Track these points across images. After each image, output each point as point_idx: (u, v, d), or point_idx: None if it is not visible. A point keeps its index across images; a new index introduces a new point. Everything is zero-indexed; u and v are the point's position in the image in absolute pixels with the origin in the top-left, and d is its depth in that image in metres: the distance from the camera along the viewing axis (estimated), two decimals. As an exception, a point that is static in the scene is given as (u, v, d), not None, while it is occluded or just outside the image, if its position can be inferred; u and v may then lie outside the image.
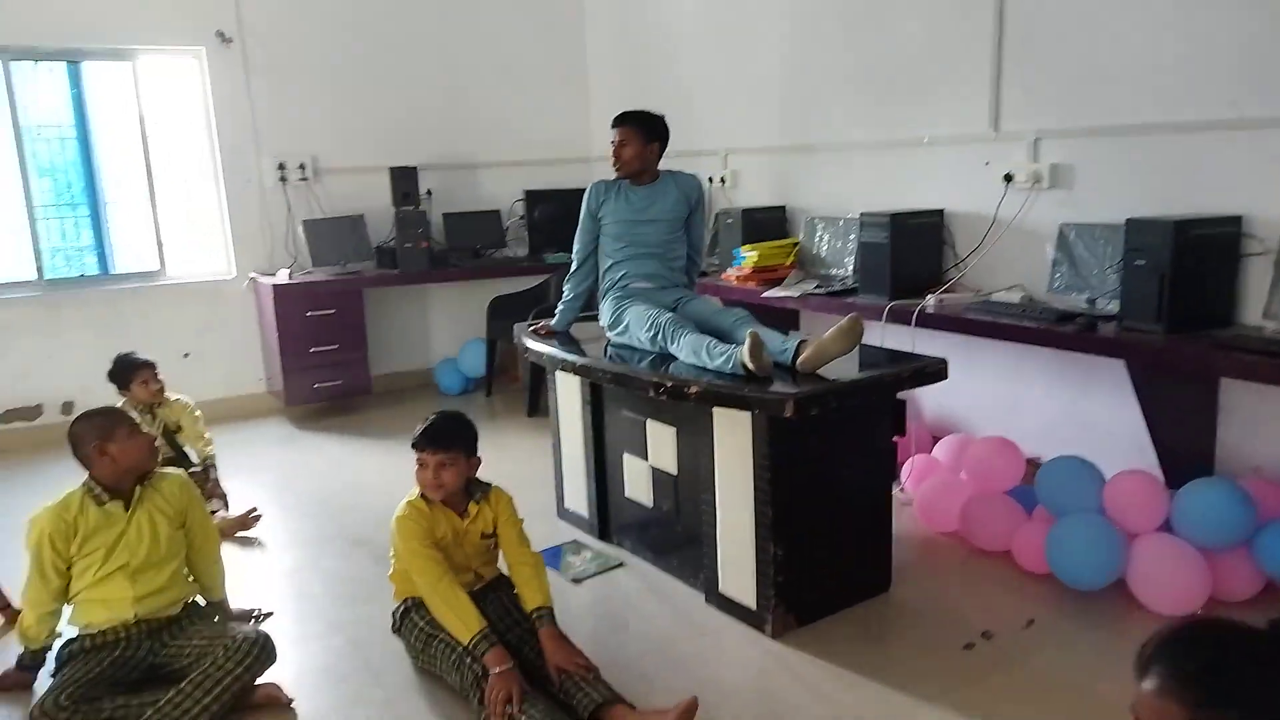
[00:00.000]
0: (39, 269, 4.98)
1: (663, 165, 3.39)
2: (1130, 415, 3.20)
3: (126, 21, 4.91)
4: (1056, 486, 3.07)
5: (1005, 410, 3.84)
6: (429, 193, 5.67)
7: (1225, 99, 2.99)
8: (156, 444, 3.01)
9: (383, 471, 4.32)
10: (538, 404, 5.04)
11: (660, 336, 3.02)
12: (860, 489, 2.91)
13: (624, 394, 3.19)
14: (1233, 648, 1.11)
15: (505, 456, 4.30)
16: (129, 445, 2.47)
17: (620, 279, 3.34)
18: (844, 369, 2.76)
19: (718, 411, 2.78)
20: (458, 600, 2.40)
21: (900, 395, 2.93)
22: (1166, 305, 2.88)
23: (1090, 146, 3.42)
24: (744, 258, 4.47)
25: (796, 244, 4.53)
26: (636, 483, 3.26)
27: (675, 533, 3.12)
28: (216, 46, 5.13)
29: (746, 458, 2.72)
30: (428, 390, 5.83)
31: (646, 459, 3.18)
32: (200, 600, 2.68)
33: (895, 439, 3.03)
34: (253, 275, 5.33)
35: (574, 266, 3.48)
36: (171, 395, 3.99)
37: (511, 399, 5.61)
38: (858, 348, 2.78)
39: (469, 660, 2.32)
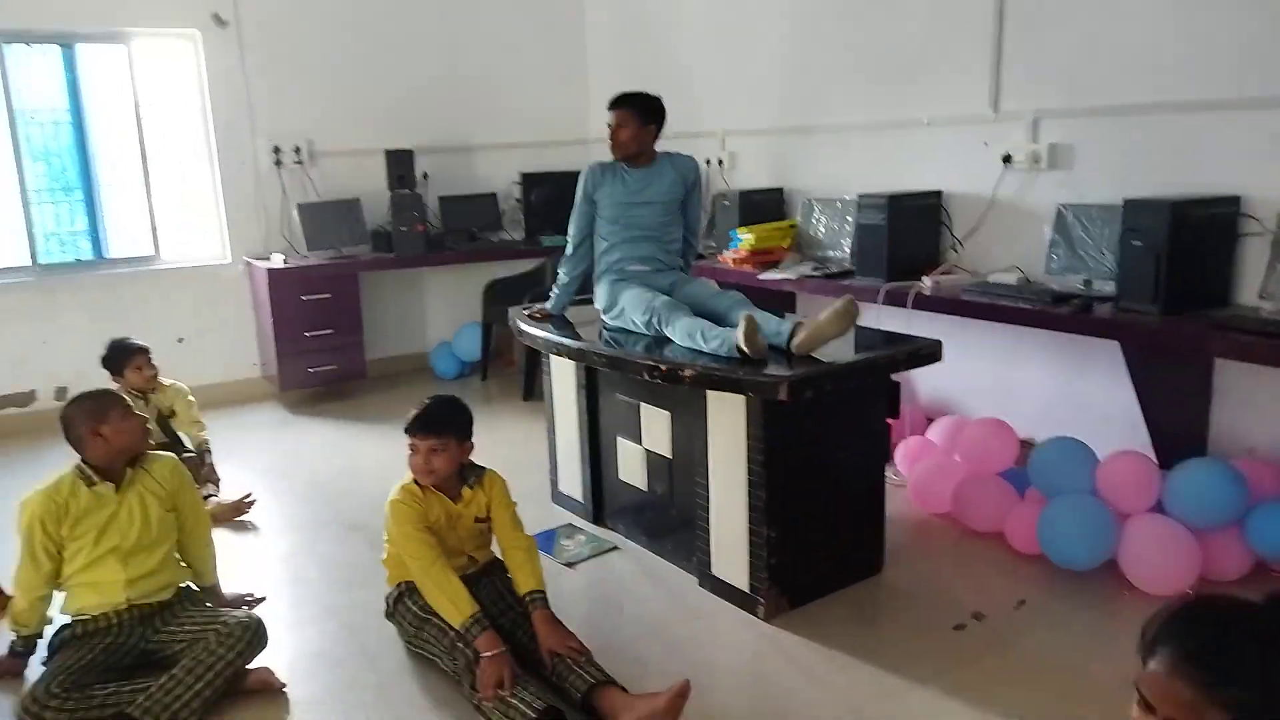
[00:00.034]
0: (33, 254, 4.96)
1: (660, 147, 3.37)
2: (1125, 396, 3.19)
3: (121, 4, 4.87)
4: (1049, 468, 3.07)
5: (1000, 392, 3.84)
6: (425, 175, 5.65)
7: (1225, 79, 2.97)
8: (150, 429, 3.01)
9: (377, 456, 4.32)
10: (533, 388, 5.04)
11: (655, 320, 3.01)
12: (854, 471, 2.91)
13: (619, 377, 3.18)
14: (1239, 626, 1.11)
15: (500, 440, 4.30)
16: (123, 427, 2.47)
17: (616, 262, 3.32)
18: (839, 351, 2.75)
19: (712, 394, 2.78)
20: (450, 584, 2.40)
21: (895, 377, 2.93)
22: (1163, 286, 2.87)
23: (1089, 127, 3.40)
24: (741, 240, 4.45)
25: (794, 226, 4.51)
26: (631, 466, 3.26)
27: (669, 516, 3.12)
28: (212, 29, 5.09)
29: (740, 441, 2.71)
30: (423, 374, 5.82)
31: (641, 442, 3.18)
32: (193, 586, 2.68)
33: (889, 421, 3.03)
34: (247, 259, 5.31)
35: (569, 250, 3.46)
36: (166, 381, 3.98)
37: (507, 383, 5.60)
38: (853, 330, 2.77)
39: (461, 644, 2.32)
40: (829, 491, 2.84)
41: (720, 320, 2.96)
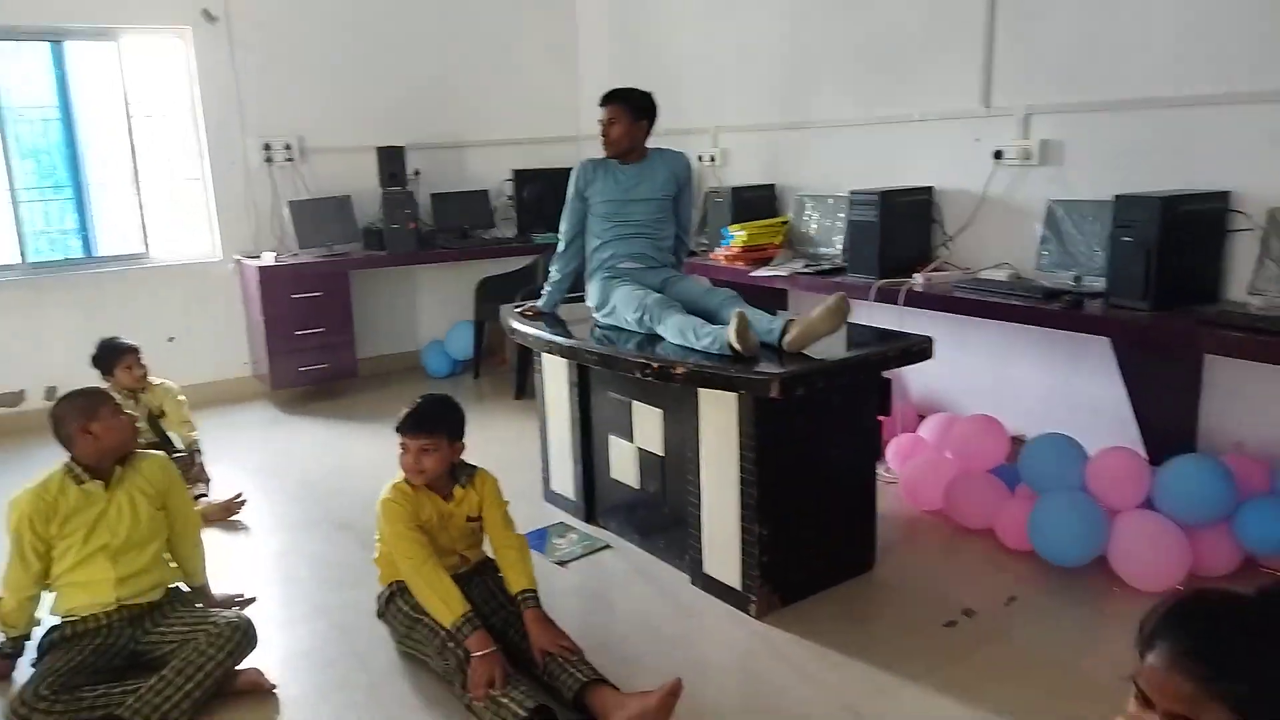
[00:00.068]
0: (22, 252, 4.93)
1: (652, 143, 3.36)
2: (1115, 392, 3.20)
3: (110, 0, 4.84)
4: (1039, 464, 3.08)
5: (991, 388, 3.84)
6: (416, 173, 5.62)
7: (1216, 74, 2.98)
8: (140, 429, 3.01)
9: (369, 455, 4.31)
10: (525, 386, 5.03)
11: (647, 317, 3.01)
12: (845, 468, 2.91)
13: (610, 375, 3.18)
14: (1238, 620, 1.10)
15: (493, 439, 4.29)
16: (112, 424, 2.46)
17: (607, 259, 3.31)
18: (830, 348, 2.75)
19: (704, 392, 2.77)
20: (441, 584, 2.40)
21: (886, 374, 2.93)
22: (1153, 282, 2.88)
23: (1080, 122, 3.40)
24: (733, 237, 4.45)
25: (786, 223, 4.51)
26: (623, 465, 3.26)
27: (661, 514, 3.12)
28: (202, 25, 5.06)
29: (732, 438, 2.71)
30: (415, 373, 5.81)
31: (633, 441, 3.18)
32: (183, 587, 2.67)
33: (881, 418, 3.03)
34: (238, 257, 5.29)
35: (561, 247, 3.46)
36: (155, 380, 3.96)
37: (499, 381, 5.59)
38: (844, 327, 2.77)
39: (452, 644, 2.32)
40: (821, 489, 2.84)
41: (712, 318, 2.96)
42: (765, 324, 2.78)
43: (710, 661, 2.59)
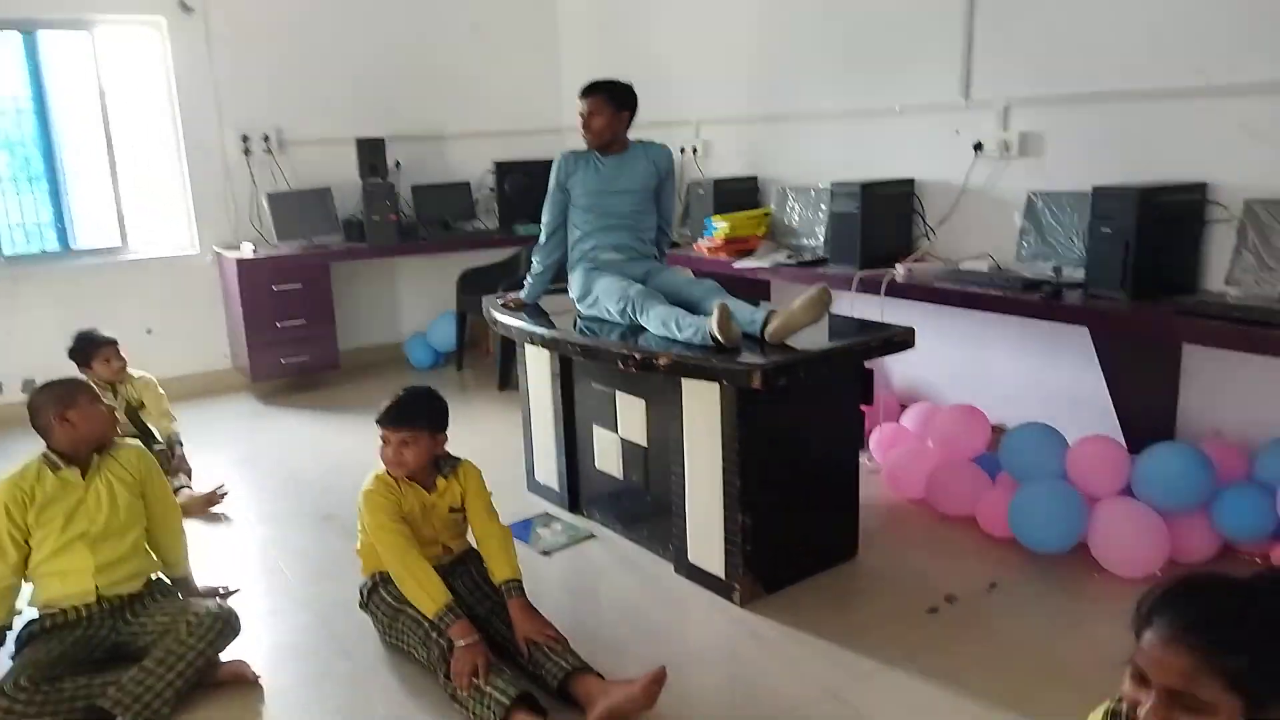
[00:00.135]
0: (-3, 245, 4.88)
1: (635, 135, 3.36)
2: (1094, 381, 3.23)
3: (83, -11, 4.79)
4: (1020, 453, 3.11)
5: (973, 378, 3.87)
6: (397, 164, 5.59)
7: (1193, 67, 3.00)
8: (119, 421, 2.98)
9: (351, 447, 4.29)
10: (509, 377, 5.01)
11: (630, 308, 3.01)
12: (828, 458, 2.93)
13: (593, 366, 3.18)
14: (1237, 598, 1.12)
15: (476, 430, 4.29)
16: (90, 413, 2.45)
17: (589, 250, 3.31)
18: (812, 339, 2.76)
19: (686, 383, 2.78)
20: (423, 574, 2.39)
21: (868, 364, 2.94)
22: (1131, 272, 2.90)
23: (1060, 114, 3.43)
24: (715, 228, 4.45)
25: (768, 214, 4.52)
26: (606, 455, 3.26)
27: (645, 504, 3.12)
28: (177, 15, 5.01)
29: (715, 428, 2.72)
30: (398, 365, 5.78)
31: (616, 431, 3.18)
32: (164, 578, 2.65)
33: (863, 408, 3.05)
34: (217, 250, 5.25)
35: (543, 238, 3.45)
36: (134, 372, 3.93)
37: (483, 373, 5.58)
38: (826, 317, 2.79)
39: (435, 634, 2.32)
40: (803, 478, 2.85)
41: (695, 308, 2.96)
42: (747, 315, 2.79)
43: (694, 649, 2.60)
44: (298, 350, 5.11)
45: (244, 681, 2.44)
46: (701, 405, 2.75)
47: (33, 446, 2.48)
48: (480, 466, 2.68)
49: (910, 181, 3.94)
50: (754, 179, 4.76)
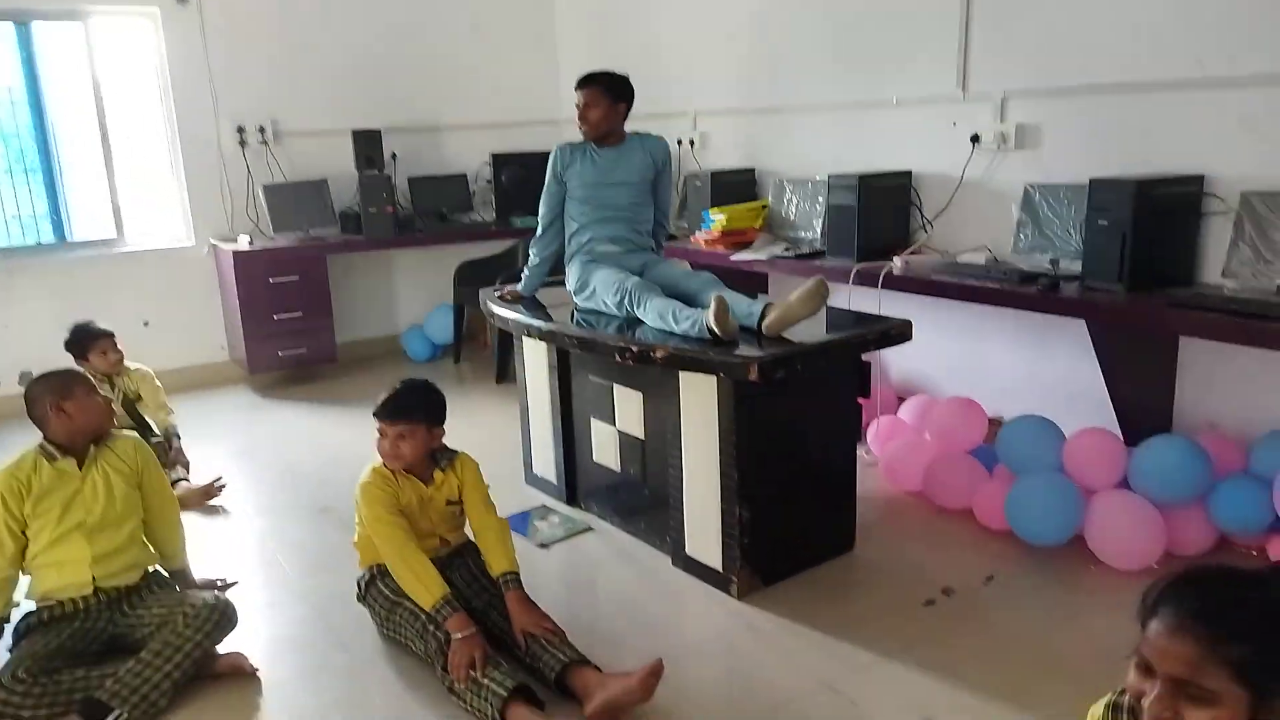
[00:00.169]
0: (-8, 237, 4.86)
1: (632, 127, 3.35)
2: (1090, 374, 3.23)
3: (76, -20, 4.77)
4: (1017, 445, 3.11)
5: (970, 370, 3.87)
6: (394, 156, 5.58)
7: (1191, 58, 3.00)
8: (116, 414, 2.97)
9: (348, 440, 4.28)
10: (506, 370, 5.01)
11: (627, 301, 3.01)
12: (825, 450, 2.93)
13: (591, 359, 3.18)
14: (1244, 588, 1.13)
15: (474, 423, 4.29)
16: (87, 404, 2.45)
17: (586, 243, 3.31)
18: (809, 331, 2.76)
19: (684, 375, 2.78)
20: (421, 566, 2.39)
21: (866, 357, 2.94)
22: (1128, 265, 2.90)
23: (1057, 106, 3.42)
24: (713, 221, 4.45)
25: (765, 206, 4.51)
26: (604, 447, 3.26)
27: (642, 497, 3.13)
28: (171, 6, 4.98)
29: (712, 421, 2.72)
30: (395, 357, 5.78)
31: (614, 424, 3.18)
32: (162, 571, 2.65)
33: (860, 400, 3.05)
34: (213, 242, 5.23)
35: (540, 230, 3.44)
36: (131, 365, 3.92)
37: (480, 365, 5.58)
38: (823, 310, 2.78)
39: (432, 627, 2.32)
40: (801, 471, 2.85)
41: (692, 301, 2.96)
42: (744, 307, 2.79)
43: (691, 642, 2.60)
44: (295, 343, 5.10)
45: (242, 673, 2.44)
46: (699, 398, 2.75)
47: (29, 438, 2.48)
48: (478, 459, 2.68)
49: (907, 174, 3.94)
50: (751, 171, 4.75)
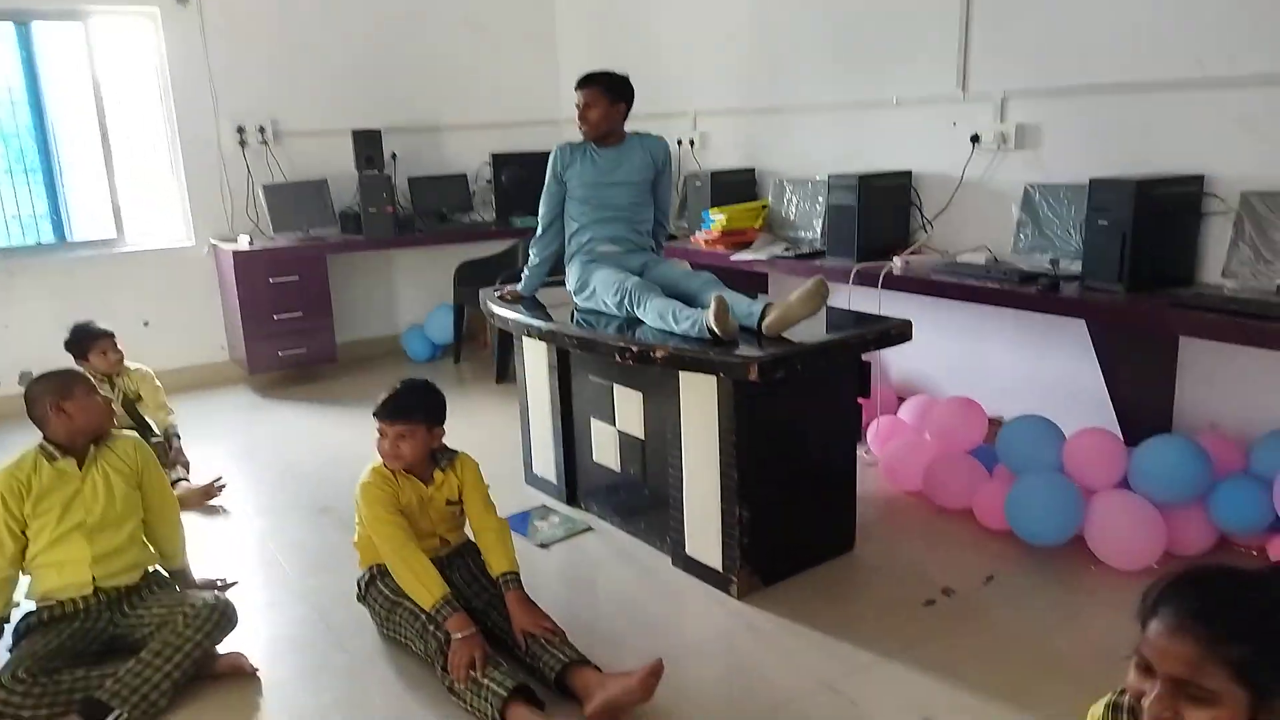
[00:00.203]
0: (-8, 237, 4.86)
1: (632, 126, 3.35)
2: (1091, 374, 3.23)
3: (76, -20, 4.77)
4: (1017, 445, 3.11)
5: (970, 370, 3.87)
6: (394, 156, 5.58)
7: (1191, 58, 3.00)
8: (116, 414, 2.98)
9: (348, 440, 4.28)
10: (507, 370, 5.01)
11: (627, 301, 3.01)
12: (825, 450, 2.93)
13: (591, 359, 3.18)
14: (1245, 587, 1.12)
15: (474, 423, 4.29)
16: (87, 404, 2.45)
17: (586, 243, 3.31)
18: (809, 331, 2.76)
19: (684, 375, 2.78)
20: (420, 567, 2.39)
21: (865, 357, 2.94)
22: (1128, 265, 2.90)
23: (1057, 106, 3.42)
24: (713, 221, 4.45)
25: (765, 206, 4.51)
26: (604, 448, 3.26)
27: (642, 497, 3.13)
28: (171, 6, 4.98)
29: (712, 421, 2.72)
30: (395, 357, 5.78)
31: (614, 424, 3.18)
32: (161, 570, 2.65)
33: (860, 400, 3.05)
34: (213, 242, 5.23)
35: (540, 230, 3.44)
36: (131, 365, 3.92)
37: (480, 365, 5.58)
38: (823, 310, 2.78)
39: (432, 627, 2.32)
40: (801, 471, 2.85)
41: (692, 301, 2.96)
42: (744, 307, 2.79)
43: (691, 642, 2.60)
44: (295, 343, 5.10)
45: (242, 674, 2.44)
46: (699, 398, 2.75)
47: (29, 438, 2.48)
48: (478, 459, 2.68)
49: (907, 174, 3.93)
50: (751, 171, 4.75)
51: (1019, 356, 3.69)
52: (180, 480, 3.70)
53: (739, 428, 2.66)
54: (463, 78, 5.87)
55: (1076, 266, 3.16)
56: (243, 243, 5.04)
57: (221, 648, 2.45)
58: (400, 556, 2.41)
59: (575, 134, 3.35)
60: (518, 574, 2.49)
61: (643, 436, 3.06)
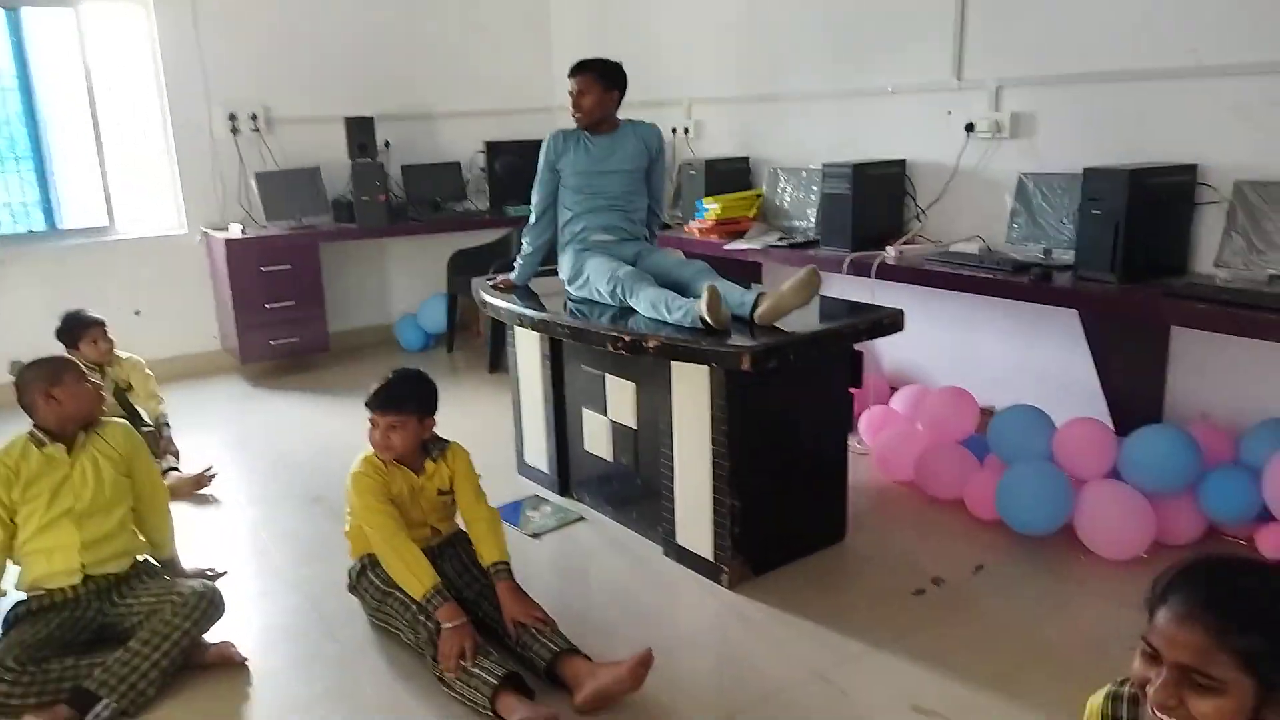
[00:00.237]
0: (-18, 225, 4.83)
1: (627, 115, 3.34)
2: (1082, 364, 3.23)
3: (65, -35, 4.73)
4: (1008, 435, 3.12)
5: (962, 360, 3.87)
6: (387, 144, 5.55)
7: (1185, 47, 2.99)
8: (106, 403, 2.96)
9: (340, 429, 4.27)
10: (499, 360, 5.00)
11: (619, 290, 3.00)
12: (817, 440, 2.93)
13: (583, 349, 3.17)
14: (1256, 577, 1.12)
15: (467, 413, 4.29)
16: (76, 390, 2.45)
17: (580, 232, 3.29)
18: (802, 321, 2.75)
19: (676, 365, 2.77)
20: (411, 556, 2.39)
21: (858, 347, 2.94)
22: (1121, 254, 2.90)
23: (1051, 95, 3.41)
24: (707, 210, 4.43)
25: (759, 196, 4.50)
26: (596, 437, 3.25)
27: (634, 486, 3.12)
28: (162, -8, 4.96)
29: (704, 411, 2.72)
30: (388, 346, 5.76)
31: (606, 414, 3.17)
32: (151, 560, 2.65)
33: (853, 390, 3.05)
34: (204, 230, 5.21)
35: (533, 219, 3.43)
36: (122, 353, 3.90)
37: (473, 355, 5.57)
38: (816, 299, 2.78)
39: (423, 616, 2.32)
40: (793, 461, 2.85)
41: (685, 290, 2.95)
42: (737, 297, 2.78)
43: (682, 632, 2.61)
44: (287, 332, 5.09)
45: (231, 663, 2.43)
46: (691, 388, 2.75)
47: (20, 427, 2.47)
48: (470, 449, 2.67)
49: (902, 162, 3.92)
50: (746, 160, 4.74)
51: (1011, 346, 3.69)
52: (171, 469, 3.69)
53: (731, 417, 2.65)
54: (457, 65, 5.83)
55: (1069, 256, 3.15)
56: (235, 231, 5.01)
57: (211, 637, 2.45)
58: (391, 546, 2.41)
59: (570, 121, 3.33)
60: (508, 564, 2.48)
61: (635, 426, 3.06)
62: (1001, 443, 3.13)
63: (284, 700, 2.33)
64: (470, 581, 2.54)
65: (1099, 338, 3.11)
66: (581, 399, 3.29)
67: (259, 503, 3.56)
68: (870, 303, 3.07)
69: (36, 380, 2.41)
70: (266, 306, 4.99)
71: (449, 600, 2.33)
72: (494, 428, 3.97)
